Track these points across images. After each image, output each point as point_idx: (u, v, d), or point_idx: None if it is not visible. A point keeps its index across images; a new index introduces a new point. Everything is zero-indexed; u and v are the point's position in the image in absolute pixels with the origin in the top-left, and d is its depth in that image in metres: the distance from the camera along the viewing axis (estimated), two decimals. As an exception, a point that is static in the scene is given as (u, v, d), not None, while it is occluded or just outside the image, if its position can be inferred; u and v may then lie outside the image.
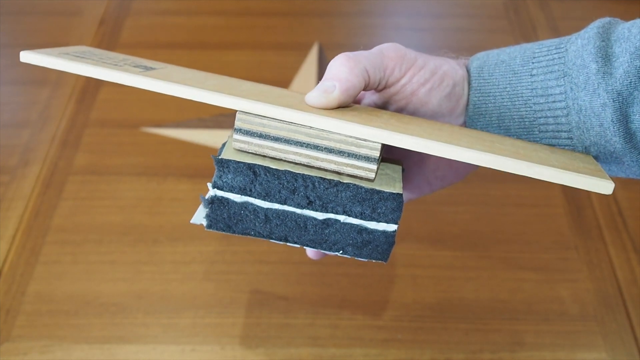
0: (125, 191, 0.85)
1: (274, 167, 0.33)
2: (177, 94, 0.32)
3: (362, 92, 0.39)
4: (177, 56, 1.09)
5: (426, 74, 0.37)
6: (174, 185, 0.86)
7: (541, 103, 0.36)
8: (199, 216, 0.35)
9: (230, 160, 0.33)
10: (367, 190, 0.33)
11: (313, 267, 0.76)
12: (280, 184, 0.33)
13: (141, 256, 0.77)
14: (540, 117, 0.37)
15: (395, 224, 0.34)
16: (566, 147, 0.37)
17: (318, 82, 0.35)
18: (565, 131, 0.36)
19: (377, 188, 0.33)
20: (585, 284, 0.75)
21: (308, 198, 0.33)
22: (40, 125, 0.95)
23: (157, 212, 0.82)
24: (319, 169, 0.33)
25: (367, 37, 1.13)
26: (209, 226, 0.34)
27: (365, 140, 0.32)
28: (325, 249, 0.35)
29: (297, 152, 0.33)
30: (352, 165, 0.33)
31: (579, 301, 0.73)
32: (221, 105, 0.32)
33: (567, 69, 0.35)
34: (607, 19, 0.36)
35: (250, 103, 0.32)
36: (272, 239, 0.35)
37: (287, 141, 0.33)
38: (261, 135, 0.33)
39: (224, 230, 0.34)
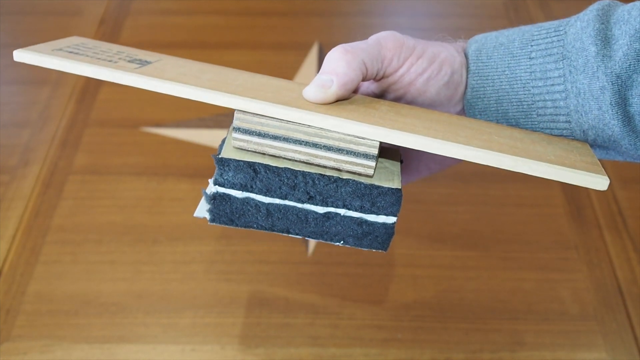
0: (125, 191, 0.85)
1: (273, 164, 0.33)
2: (172, 93, 0.32)
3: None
4: (177, 56, 1.09)
5: (424, 63, 0.37)
6: (174, 185, 0.86)
7: (540, 86, 0.36)
8: (202, 209, 0.35)
9: (230, 159, 0.33)
10: (366, 186, 0.33)
11: (313, 267, 0.76)
12: (281, 180, 0.33)
13: (141, 256, 0.77)
14: (538, 101, 0.37)
15: (395, 216, 0.34)
16: (564, 131, 0.37)
17: None
18: (563, 114, 0.36)
19: (376, 183, 0.33)
20: (585, 284, 0.75)
21: (308, 193, 0.34)
22: (40, 125, 0.95)
23: (157, 212, 0.82)
24: (319, 165, 0.34)
25: (367, 37, 1.13)
26: (212, 220, 0.35)
27: (363, 138, 0.32)
28: (326, 240, 0.35)
29: (296, 150, 0.33)
30: (351, 162, 0.33)
31: (579, 301, 0.73)
32: (218, 104, 0.32)
33: (566, 52, 0.35)
34: (606, 1, 0.36)
35: (248, 102, 0.32)
36: (274, 231, 0.35)
37: (286, 139, 0.33)
38: (260, 134, 0.33)
39: (226, 224, 0.35)
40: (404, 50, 0.36)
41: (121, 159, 0.90)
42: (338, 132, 0.32)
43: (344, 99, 0.35)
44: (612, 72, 0.33)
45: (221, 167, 0.33)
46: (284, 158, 0.34)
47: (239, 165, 0.33)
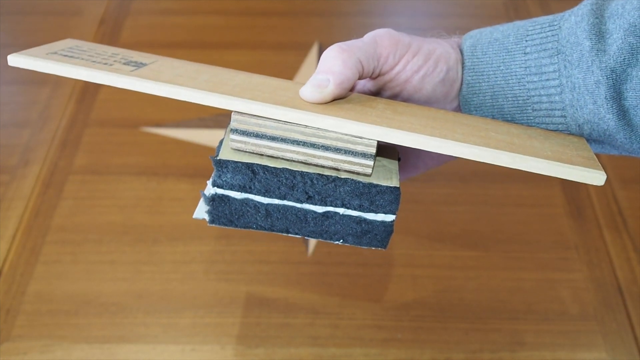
0: (125, 191, 0.85)
1: (272, 165, 0.33)
2: (168, 95, 0.32)
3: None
4: (177, 56, 1.08)
5: (420, 60, 0.37)
6: (174, 185, 0.86)
7: (535, 81, 0.36)
8: (201, 211, 0.35)
9: (228, 161, 0.33)
10: (364, 185, 0.33)
11: (313, 267, 0.76)
12: (279, 181, 0.34)
13: (141, 256, 0.77)
14: (534, 96, 0.37)
15: (394, 214, 0.34)
16: (560, 126, 0.37)
17: None
18: (558, 109, 0.36)
19: (375, 182, 0.34)
20: (585, 284, 0.75)
21: (307, 193, 0.34)
22: (40, 125, 0.95)
23: (157, 211, 0.82)
24: (317, 165, 0.34)
25: (367, 37, 1.13)
26: (212, 221, 0.35)
27: (361, 137, 0.32)
28: (326, 239, 0.35)
29: (294, 151, 0.33)
30: (349, 162, 0.33)
31: (579, 301, 0.73)
32: (214, 106, 0.32)
33: (561, 47, 0.35)
34: None
35: (244, 103, 0.32)
36: (273, 231, 0.35)
37: (284, 140, 0.33)
38: (258, 135, 0.33)
39: (226, 225, 0.35)
40: (400, 48, 0.37)
41: (121, 159, 0.90)
42: (335, 132, 0.32)
43: (341, 98, 0.35)
44: (606, 66, 0.33)
45: (219, 169, 0.34)
46: (282, 159, 0.34)
47: (237, 166, 0.33)
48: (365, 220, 0.34)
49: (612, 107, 0.33)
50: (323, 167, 0.34)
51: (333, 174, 0.33)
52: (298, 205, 0.34)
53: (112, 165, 0.89)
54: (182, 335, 0.69)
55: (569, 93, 0.35)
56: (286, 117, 0.32)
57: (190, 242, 0.79)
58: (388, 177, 0.34)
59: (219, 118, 0.96)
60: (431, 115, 0.35)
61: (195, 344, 0.68)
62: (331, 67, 0.34)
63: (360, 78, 0.36)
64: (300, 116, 0.32)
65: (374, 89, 0.39)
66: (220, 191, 0.34)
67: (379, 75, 0.37)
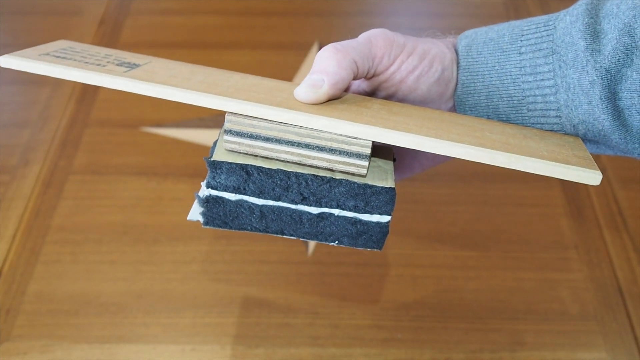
0: (125, 191, 0.85)
1: (266, 166, 0.33)
2: (161, 96, 0.32)
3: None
4: (177, 56, 1.09)
5: (415, 60, 0.37)
6: (173, 185, 0.86)
7: (530, 81, 0.36)
8: (195, 213, 0.35)
9: (222, 162, 0.33)
10: (359, 186, 0.33)
11: (313, 267, 0.76)
12: (274, 182, 0.33)
13: (141, 256, 0.77)
14: (529, 96, 0.37)
15: (389, 215, 0.34)
16: (555, 126, 0.37)
17: None
18: (553, 109, 0.36)
19: (370, 183, 0.33)
20: (585, 284, 0.75)
21: (302, 194, 0.34)
22: (41, 125, 0.95)
23: (157, 211, 0.82)
24: (311, 166, 0.34)
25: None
26: (206, 223, 0.35)
27: (355, 138, 0.32)
28: (321, 240, 0.35)
29: (288, 151, 0.33)
30: (343, 162, 0.33)
31: (579, 301, 0.73)
32: (208, 107, 0.32)
33: (556, 47, 0.35)
34: None
35: (238, 104, 0.32)
36: (268, 233, 0.35)
37: (278, 141, 0.33)
38: (252, 136, 0.33)
39: (220, 227, 0.35)
40: (395, 48, 0.36)
41: (121, 159, 0.90)
42: (330, 133, 0.32)
43: (336, 99, 0.35)
44: (601, 66, 0.33)
45: (213, 170, 0.33)
46: (277, 159, 0.34)
47: (231, 167, 0.33)
48: (360, 221, 0.34)
49: (606, 107, 0.33)
50: (318, 167, 0.34)
51: (328, 174, 0.33)
52: (293, 206, 0.34)
53: (112, 165, 0.89)
54: (182, 335, 0.69)
55: (564, 93, 0.35)
56: (280, 118, 0.32)
57: (190, 242, 0.79)
58: (383, 177, 0.34)
59: (219, 118, 0.96)
60: (426, 115, 0.35)
61: (195, 344, 0.68)
62: (326, 67, 0.33)
63: (355, 78, 0.36)
64: (294, 117, 0.31)
65: (368, 90, 0.39)
66: (214, 192, 0.34)
67: (373, 75, 0.37)
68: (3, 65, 0.33)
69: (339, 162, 0.33)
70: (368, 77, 0.38)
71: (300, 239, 0.35)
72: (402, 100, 0.39)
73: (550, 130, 0.37)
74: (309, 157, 0.33)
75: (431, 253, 0.78)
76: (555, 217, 0.82)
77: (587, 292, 0.74)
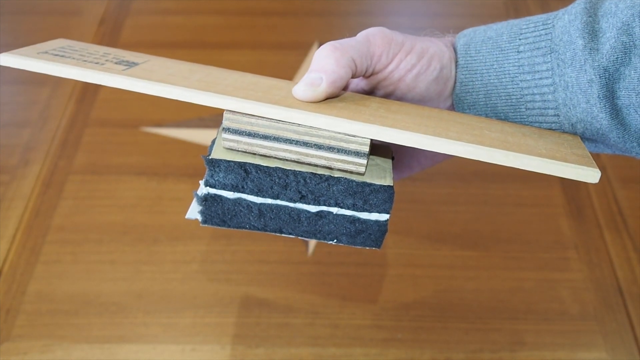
0: (125, 191, 0.85)
1: (264, 164, 0.33)
2: (160, 94, 0.32)
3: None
4: (177, 56, 1.08)
5: (413, 58, 0.37)
6: (174, 184, 0.86)
7: (528, 80, 0.36)
8: (194, 211, 0.35)
9: (220, 160, 0.33)
10: (358, 184, 0.33)
11: (313, 267, 0.76)
12: (272, 180, 0.33)
13: (141, 256, 0.77)
14: (527, 95, 0.37)
15: (387, 213, 0.34)
16: (553, 124, 0.37)
17: None
18: (552, 108, 0.36)
19: (368, 181, 0.33)
20: (585, 284, 0.75)
21: (300, 192, 0.34)
22: (41, 125, 0.95)
23: (157, 211, 0.82)
24: (310, 164, 0.34)
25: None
26: (204, 222, 0.35)
27: (354, 136, 0.32)
28: (319, 239, 0.35)
29: (286, 149, 0.33)
30: (342, 161, 0.33)
31: (579, 301, 0.73)
32: (207, 105, 0.32)
33: (554, 45, 0.35)
34: None
35: (237, 102, 0.32)
36: (266, 231, 0.35)
37: (277, 139, 0.33)
38: (250, 134, 0.33)
39: (219, 225, 0.35)
40: (393, 46, 0.36)
41: (121, 159, 0.90)
42: (328, 131, 0.32)
43: (334, 97, 0.35)
44: (599, 65, 0.33)
45: (212, 168, 0.33)
46: (275, 158, 0.34)
47: (229, 165, 0.33)
48: (359, 219, 0.34)
49: (604, 106, 0.33)
50: (316, 166, 0.34)
51: (326, 172, 0.33)
52: (291, 204, 0.34)
53: (112, 165, 0.89)
54: (182, 335, 0.69)
55: (562, 92, 0.35)
56: (279, 116, 0.32)
57: (190, 242, 0.79)
58: (382, 175, 0.34)
59: (219, 118, 0.96)
60: (425, 113, 0.35)
61: (195, 344, 0.68)
62: (324, 65, 0.33)
63: (353, 77, 0.36)
64: (293, 115, 0.31)
65: (367, 88, 0.39)
66: (212, 191, 0.34)
67: (372, 74, 0.37)
68: (2, 64, 0.33)
69: (338, 160, 0.33)
70: (366, 76, 0.38)
71: (299, 237, 0.35)
72: (401, 98, 0.39)
73: (549, 129, 0.37)
74: (307, 155, 0.33)
75: (431, 253, 0.78)
76: (555, 217, 0.82)
77: (587, 292, 0.74)
